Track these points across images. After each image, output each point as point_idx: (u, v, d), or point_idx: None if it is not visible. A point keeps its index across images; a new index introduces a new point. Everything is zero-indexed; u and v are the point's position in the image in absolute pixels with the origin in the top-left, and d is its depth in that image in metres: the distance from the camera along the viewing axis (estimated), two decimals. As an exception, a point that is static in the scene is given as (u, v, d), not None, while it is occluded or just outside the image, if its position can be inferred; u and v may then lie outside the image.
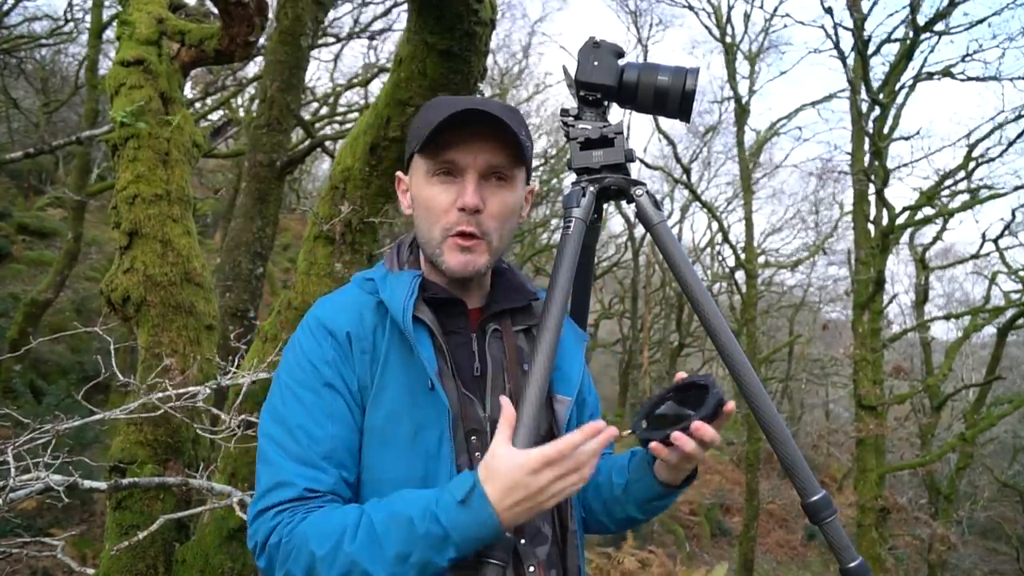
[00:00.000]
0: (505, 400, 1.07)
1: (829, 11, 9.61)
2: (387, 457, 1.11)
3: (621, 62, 1.33)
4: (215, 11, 3.14)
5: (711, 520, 15.98)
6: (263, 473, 1.10)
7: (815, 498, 1.22)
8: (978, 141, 10.76)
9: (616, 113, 1.36)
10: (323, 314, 1.18)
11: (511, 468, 0.98)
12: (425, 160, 1.17)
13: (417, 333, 1.13)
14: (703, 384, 1.19)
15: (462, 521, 0.97)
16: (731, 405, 1.15)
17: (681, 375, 1.23)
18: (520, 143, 1.14)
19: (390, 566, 0.97)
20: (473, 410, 1.16)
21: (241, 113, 13.96)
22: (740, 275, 16.14)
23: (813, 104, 14.91)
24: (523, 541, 1.14)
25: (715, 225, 19.39)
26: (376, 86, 14.60)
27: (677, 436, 1.11)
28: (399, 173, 1.29)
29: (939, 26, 9.84)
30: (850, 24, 9.79)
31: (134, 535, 2.27)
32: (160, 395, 2.27)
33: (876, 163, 10.22)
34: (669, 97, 1.31)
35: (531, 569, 1.13)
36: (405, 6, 2.20)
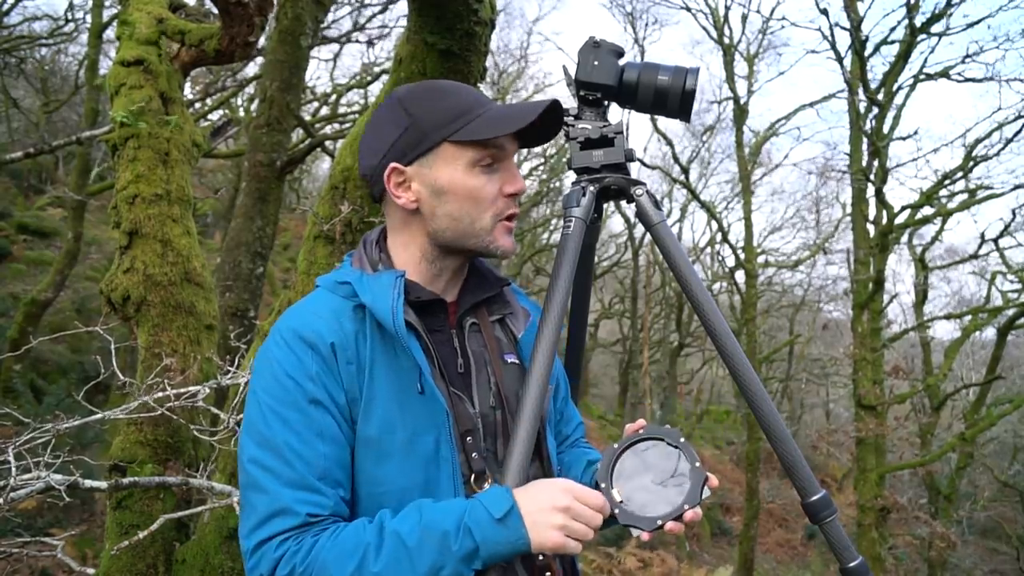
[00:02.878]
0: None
1: (824, 12, 9.65)
2: (386, 469, 1.08)
3: (621, 62, 1.33)
4: (215, 11, 3.14)
5: (711, 520, 15.97)
6: (257, 501, 1.04)
7: (815, 498, 1.22)
8: (977, 141, 10.78)
9: (616, 113, 1.36)
10: (299, 324, 1.10)
11: (546, 483, 1.04)
12: (470, 149, 1.12)
13: (409, 338, 1.10)
14: (673, 444, 1.10)
15: (496, 538, 0.98)
16: (714, 481, 1.10)
17: (640, 424, 1.16)
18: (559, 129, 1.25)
19: None
20: (464, 408, 1.14)
21: (241, 113, 13.95)
22: (740, 275, 16.15)
23: (812, 104, 14.91)
24: None
25: (715, 225, 19.41)
26: (376, 87, 14.59)
27: (672, 527, 1.06)
28: (396, 165, 1.15)
29: (937, 27, 9.86)
30: (847, 25, 9.81)
31: (134, 535, 2.27)
32: (160, 395, 2.28)
33: (875, 163, 10.23)
34: (669, 97, 1.31)
35: (541, 559, 1.13)
36: (405, 6, 2.20)
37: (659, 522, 1.06)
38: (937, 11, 9.54)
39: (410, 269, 1.18)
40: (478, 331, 1.22)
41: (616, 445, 1.13)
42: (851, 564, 1.21)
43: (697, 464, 1.08)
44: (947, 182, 10.94)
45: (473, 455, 1.12)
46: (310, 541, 1.00)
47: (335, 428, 1.07)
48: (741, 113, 14.39)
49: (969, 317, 12.36)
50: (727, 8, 14.63)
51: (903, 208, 10.80)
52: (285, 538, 1.01)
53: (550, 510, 1.00)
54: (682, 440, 1.10)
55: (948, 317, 13.13)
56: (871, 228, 11.13)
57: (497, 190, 1.15)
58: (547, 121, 1.18)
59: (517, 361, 1.23)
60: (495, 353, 1.21)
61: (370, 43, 13.31)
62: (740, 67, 15.54)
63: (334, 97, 15.49)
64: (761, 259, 18.67)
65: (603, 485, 1.09)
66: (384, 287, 1.11)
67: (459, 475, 1.10)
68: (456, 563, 0.97)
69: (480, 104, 1.14)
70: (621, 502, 1.08)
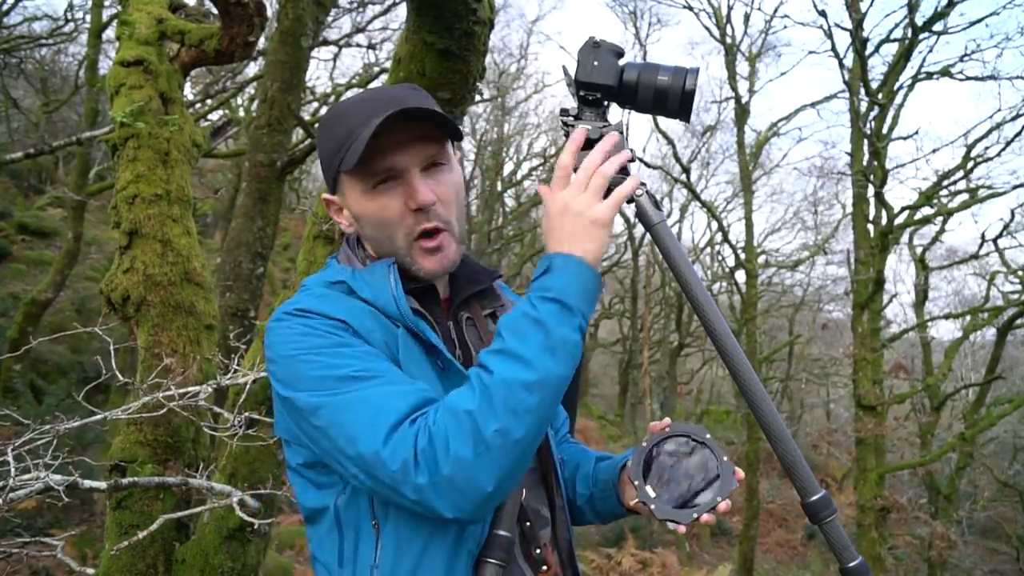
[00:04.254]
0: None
1: (823, 13, 9.67)
2: None
3: (621, 62, 1.33)
4: (215, 11, 3.15)
5: (711, 520, 15.96)
6: (366, 408, 0.95)
7: (815, 498, 1.22)
8: (976, 141, 10.79)
9: (616, 113, 1.36)
10: (306, 304, 1.06)
11: (547, 213, 1.06)
12: (358, 178, 1.09)
13: (416, 320, 1.08)
14: (699, 440, 1.15)
15: (562, 283, 0.99)
16: (741, 473, 1.15)
17: (665, 423, 1.20)
18: (447, 121, 1.09)
19: (541, 359, 0.94)
20: None
21: (241, 113, 13.96)
22: (740, 275, 16.16)
23: (813, 105, 14.93)
24: (528, 523, 1.14)
25: (715, 225, 19.42)
26: (375, 86, 14.58)
27: (706, 519, 1.11)
28: (326, 196, 1.18)
29: (937, 26, 9.87)
30: (848, 25, 9.83)
31: (134, 535, 2.28)
32: (161, 395, 2.28)
33: (875, 163, 10.24)
34: (669, 97, 1.30)
35: (538, 552, 1.14)
36: (404, 6, 2.20)
37: (695, 515, 1.10)
38: (939, 9, 9.56)
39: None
40: (473, 325, 1.22)
41: (645, 443, 1.17)
42: (851, 564, 1.21)
43: (725, 458, 1.13)
44: (947, 182, 10.97)
45: None
46: (434, 408, 0.96)
47: (386, 358, 1.04)
48: (742, 113, 14.40)
49: (969, 317, 12.37)
50: (730, 7, 14.65)
51: (903, 208, 10.83)
52: (414, 417, 0.95)
53: (569, 213, 1.04)
54: (707, 436, 1.16)
55: (948, 317, 13.16)
56: (871, 228, 11.15)
57: (401, 207, 1.09)
58: (432, 118, 1.09)
59: None
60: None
61: (371, 46, 13.30)
62: (742, 67, 15.56)
63: (333, 97, 15.50)
64: (761, 259, 18.68)
65: (636, 482, 1.13)
66: (380, 277, 1.10)
67: None
68: (556, 328, 0.96)
69: (362, 124, 1.06)
70: (656, 497, 1.12)
